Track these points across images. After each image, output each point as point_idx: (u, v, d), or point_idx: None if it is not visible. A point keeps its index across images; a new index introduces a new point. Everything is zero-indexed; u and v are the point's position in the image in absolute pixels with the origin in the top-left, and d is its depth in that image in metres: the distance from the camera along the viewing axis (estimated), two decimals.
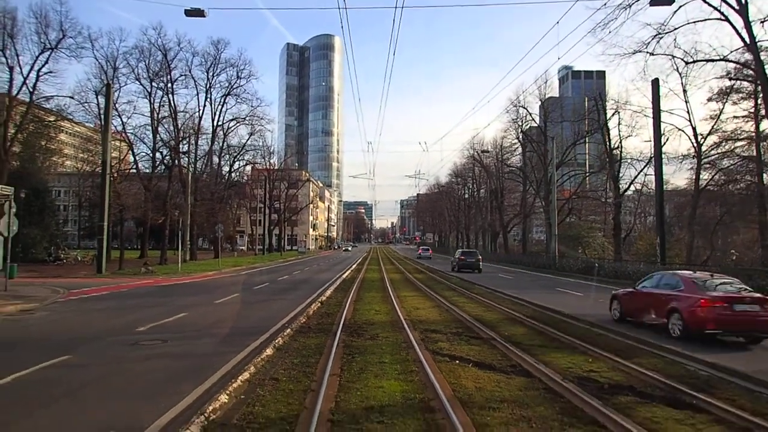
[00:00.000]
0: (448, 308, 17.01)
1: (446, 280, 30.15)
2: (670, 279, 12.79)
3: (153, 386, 7.47)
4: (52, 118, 44.67)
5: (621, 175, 41.57)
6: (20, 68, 37.61)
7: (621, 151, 41.26)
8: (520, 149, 57.76)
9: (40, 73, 37.90)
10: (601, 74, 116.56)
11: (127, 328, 12.38)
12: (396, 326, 13.11)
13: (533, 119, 53.16)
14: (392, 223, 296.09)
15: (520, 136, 55.17)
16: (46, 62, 37.97)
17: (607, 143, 41.40)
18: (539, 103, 52.61)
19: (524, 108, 51.91)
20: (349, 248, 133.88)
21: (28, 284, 23.58)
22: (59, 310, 16.16)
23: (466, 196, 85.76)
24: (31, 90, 37.86)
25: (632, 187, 44.53)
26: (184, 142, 50.07)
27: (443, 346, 10.60)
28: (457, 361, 9.19)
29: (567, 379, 7.88)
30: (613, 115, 41.19)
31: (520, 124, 53.62)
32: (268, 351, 9.62)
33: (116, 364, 8.82)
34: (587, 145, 60.91)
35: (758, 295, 11.44)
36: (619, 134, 41.02)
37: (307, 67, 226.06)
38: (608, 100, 43.42)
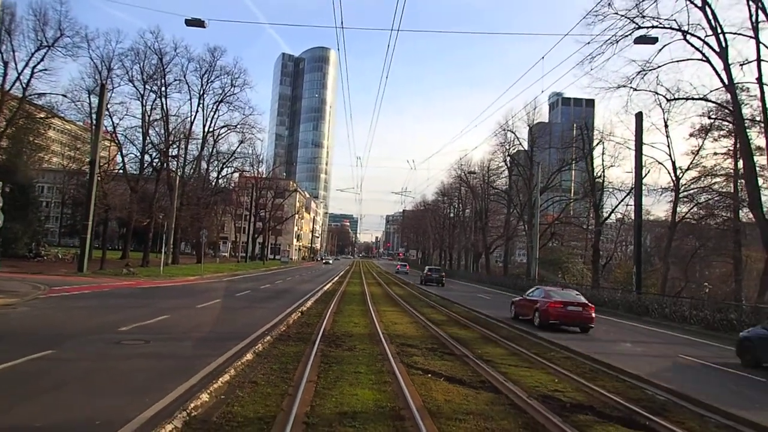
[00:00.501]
0: (426, 324, 17.40)
1: (426, 297, 30.55)
2: (538, 290, 19.98)
3: (136, 383, 7.76)
4: (42, 115, 44.65)
5: (602, 203, 42.66)
6: (15, 64, 37.73)
7: (603, 180, 42.30)
8: (506, 172, 58.68)
9: (35, 70, 38.03)
10: (590, 102, 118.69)
11: (109, 327, 12.58)
12: (373, 339, 13.47)
13: (521, 143, 54.19)
14: (377, 237, 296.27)
15: (507, 160, 56.10)
16: (42, 60, 38.12)
17: (591, 171, 42.40)
18: (527, 128, 53.68)
19: (512, 132, 52.92)
20: (330, 261, 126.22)
21: (8, 279, 23.51)
22: (40, 306, 16.26)
23: (452, 215, 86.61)
24: (24, 86, 37.94)
25: (613, 216, 45.59)
26: (174, 146, 50.15)
27: (417, 360, 10.98)
28: (430, 375, 9.57)
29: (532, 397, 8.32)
30: (597, 144, 42.36)
31: (508, 147, 54.60)
32: (248, 356, 9.92)
33: (100, 361, 9.07)
34: (573, 172, 62.10)
35: (584, 300, 18.30)
36: (603, 164, 42.15)
37: (301, 78, 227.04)
38: (594, 130, 44.59)
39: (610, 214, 43.89)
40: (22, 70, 37.68)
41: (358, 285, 39.44)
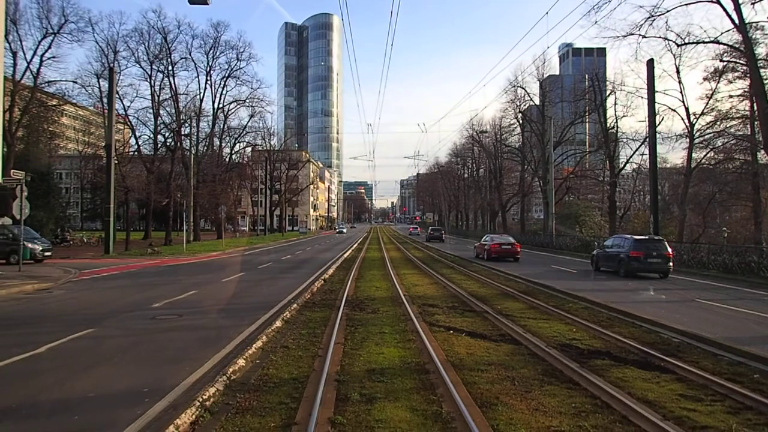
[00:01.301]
0: (446, 285, 17.83)
1: (444, 259, 30.98)
2: (487, 237, 31.26)
3: (175, 354, 8.27)
4: (54, 102, 45.17)
5: (617, 154, 42.23)
6: (24, 53, 38.09)
7: (617, 131, 41.86)
8: (518, 129, 58.16)
9: (44, 58, 38.39)
10: (602, 51, 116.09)
11: (143, 304, 13.18)
12: (395, 301, 13.93)
13: (532, 99, 53.54)
14: (392, 202, 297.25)
15: (519, 116, 55.55)
16: (49, 47, 38.47)
17: (604, 123, 41.93)
18: (538, 83, 52.92)
19: (522, 88, 52.25)
20: (344, 229, 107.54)
21: (41, 265, 24.41)
22: (74, 288, 16.96)
23: (466, 175, 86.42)
24: (34, 75, 38.37)
25: (628, 167, 45.19)
26: (186, 124, 50.49)
27: (439, 318, 11.41)
28: (451, 332, 9.99)
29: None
30: (609, 94, 41.74)
31: (519, 104, 54.01)
32: (277, 323, 10.41)
33: (138, 336, 9.62)
34: (586, 124, 61.31)
35: (513, 241, 29.50)
36: (615, 114, 41.62)
37: (306, 47, 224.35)
38: (606, 80, 43.85)
39: (625, 165, 43.48)
40: (31, 59, 38.12)
41: (377, 251, 39.99)
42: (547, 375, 7.13)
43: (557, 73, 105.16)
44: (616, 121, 41.71)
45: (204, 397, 5.87)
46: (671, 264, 19.93)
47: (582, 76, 61.40)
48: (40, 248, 26.32)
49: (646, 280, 19.36)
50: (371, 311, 12.28)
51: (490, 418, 5.45)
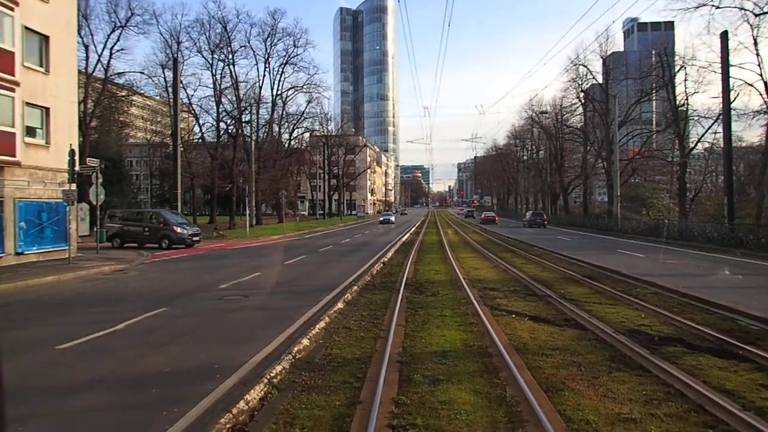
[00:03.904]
0: (506, 268, 17.55)
1: (504, 243, 30.49)
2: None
3: (243, 332, 8.57)
4: (124, 93, 47.34)
5: (687, 133, 40.03)
6: (95, 46, 39.99)
7: (687, 108, 39.56)
8: (580, 109, 56.09)
9: (113, 51, 40.18)
10: (670, 25, 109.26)
11: (210, 285, 13.72)
12: (455, 284, 13.85)
13: (594, 77, 51.38)
14: (449, 186, 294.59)
15: (581, 96, 53.52)
16: (118, 40, 40.22)
17: (673, 100, 39.81)
18: (601, 60, 50.76)
19: (584, 66, 50.20)
20: (391, 217, 69.88)
21: (116, 248, 25.79)
22: (147, 270, 17.85)
23: (525, 157, 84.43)
24: (105, 67, 40.26)
25: (700, 146, 42.74)
26: (246, 111, 51.74)
27: (500, 302, 11.25)
28: (514, 316, 9.84)
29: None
30: (679, 70, 39.42)
31: (581, 83, 51.94)
32: (339, 305, 10.58)
33: (208, 315, 10.02)
34: (653, 102, 58.43)
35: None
36: (686, 91, 39.23)
37: (361, 32, 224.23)
38: (675, 55, 41.51)
39: (696, 144, 41.15)
40: (102, 52, 39.98)
41: (434, 234, 39.86)
42: (616, 361, 6.91)
43: (621, 49, 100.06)
44: (687, 98, 39.43)
45: (272, 374, 6.05)
46: None
47: (648, 51, 58.39)
48: (189, 233, 26.77)
49: (718, 264, 18.37)
50: (431, 294, 12.27)
51: (557, 403, 5.34)
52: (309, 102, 61.72)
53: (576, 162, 63.36)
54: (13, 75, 18.27)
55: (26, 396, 5.58)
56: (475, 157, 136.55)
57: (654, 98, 52.93)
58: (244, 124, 52.05)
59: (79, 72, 40.31)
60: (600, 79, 50.73)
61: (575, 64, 50.20)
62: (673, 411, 5.14)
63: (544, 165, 71.15)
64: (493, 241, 32.62)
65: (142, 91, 49.84)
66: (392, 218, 68.28)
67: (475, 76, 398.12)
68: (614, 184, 41.07)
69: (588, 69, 50.57)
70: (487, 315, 9.70)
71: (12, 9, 18.23)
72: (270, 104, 57.30)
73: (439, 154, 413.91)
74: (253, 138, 50.19)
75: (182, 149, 41.18)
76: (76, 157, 19.60)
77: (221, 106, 51.61)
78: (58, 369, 6.76)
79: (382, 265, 18.51)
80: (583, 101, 54.01)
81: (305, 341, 7.67)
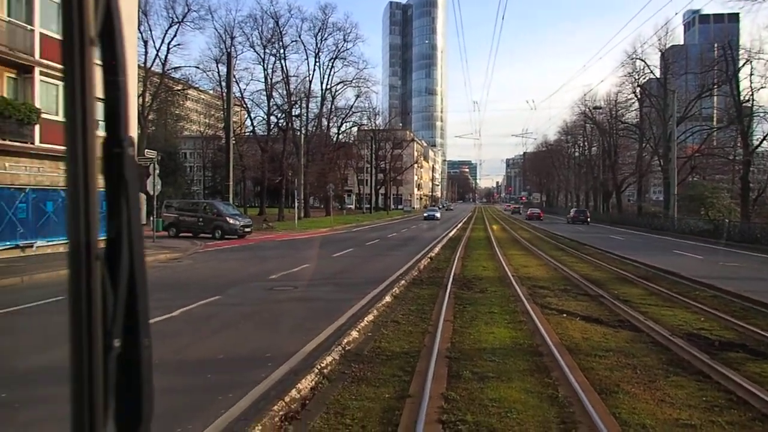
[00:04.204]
0: (556, 267, 17.20)
1: (554, 240, 29.86)
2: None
3: (293, 323, 8.73)
4: (179, 87, 48.88)
5: (752, 130, 38.19)
6: (153, 41, 41.45)
7: (752, 104, 37.68)
8: (636, 104, 54.22)
9: (170, 46, 41.56)
10: (734, 17, 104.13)
11: (261, 275, 14.02)
12: (504, 282, 13.67)
13: (652, 72, 49.48)
14: (497, 182, 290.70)
15: (637, 91, 51.67)
16: (174, 35, 41.62)
17: (737, 95, 37.93)
18: (659, 53, 48.82)
19: (642, 60, 48.38)
20: (436, 213, 64.67)
21: (171, 237, 26.69)
22: (200, 259, 18.40)
23: (576, 154, 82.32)
24: (162, 62, 41.66)
25: (765, 143, 40.62)
26: (296, 105, 52.53)
27: (551, 300, 11.04)
28: (565, 315, 9.63)
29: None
30: (744, 64, 37.46)
31: (637, 77, 50.12)
32: (387, 298, 10.63)
33: (259, 305, 10.26)
34: (715, 98, 55.81)
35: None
36: (751, 85, 37.32)
37: (410, 26, 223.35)
38: (740, 48, 39.47)
39: (761, 142, 39.10)
40: (159, 47, 41.48)
41: (482, 230, 39.43)
42: (673, 365, 6.67)
43: (681, 42, 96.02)
44: (752, 94, 37.51)
45: (322, 365, 6.14)
46: None
47: (710, 45, 55.87)
48: (241, 224, 27.28)
49: None
50: (479, 291, 12.15)
51: (611, 405, 5.21)
52: (357, 96, 62.16)
53: (630, 159, 61.40)
54: None
55: None
56: (524, 153, 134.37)
57: (715, 93, 50.53)
58: (293, 117, 52.85)
59: (138, 66, 42.12)
60: (658, 74, 48.88)
61: (632, 58, 48.50)
62: (735, 419, 4.93)
63: (597, 162, 69.18)
64: (541, 238, 32.01)
65: (197, 85, 51.44)
66: (437, 214, 64.34)
67: (526, 71, 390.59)
68: (671, 182, 39.61)
69: (645, 63, 48.79)
70: (537, 313, 9.54)
71: None
72: (319, 98, 58.02)
73: (487, 150, 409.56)
74: (303, 132, 50.89)
75: (234, 142, 42.18)
76: (136, 149, 20.32)
77: (272, 100, 52.63)
78: None
79: (429, 260, 18.47)
80: (639, 96, 52.18)
81: (354, 333, 7.75)
